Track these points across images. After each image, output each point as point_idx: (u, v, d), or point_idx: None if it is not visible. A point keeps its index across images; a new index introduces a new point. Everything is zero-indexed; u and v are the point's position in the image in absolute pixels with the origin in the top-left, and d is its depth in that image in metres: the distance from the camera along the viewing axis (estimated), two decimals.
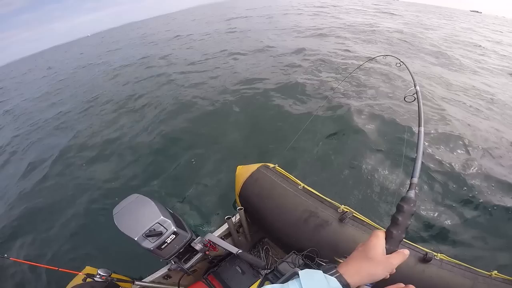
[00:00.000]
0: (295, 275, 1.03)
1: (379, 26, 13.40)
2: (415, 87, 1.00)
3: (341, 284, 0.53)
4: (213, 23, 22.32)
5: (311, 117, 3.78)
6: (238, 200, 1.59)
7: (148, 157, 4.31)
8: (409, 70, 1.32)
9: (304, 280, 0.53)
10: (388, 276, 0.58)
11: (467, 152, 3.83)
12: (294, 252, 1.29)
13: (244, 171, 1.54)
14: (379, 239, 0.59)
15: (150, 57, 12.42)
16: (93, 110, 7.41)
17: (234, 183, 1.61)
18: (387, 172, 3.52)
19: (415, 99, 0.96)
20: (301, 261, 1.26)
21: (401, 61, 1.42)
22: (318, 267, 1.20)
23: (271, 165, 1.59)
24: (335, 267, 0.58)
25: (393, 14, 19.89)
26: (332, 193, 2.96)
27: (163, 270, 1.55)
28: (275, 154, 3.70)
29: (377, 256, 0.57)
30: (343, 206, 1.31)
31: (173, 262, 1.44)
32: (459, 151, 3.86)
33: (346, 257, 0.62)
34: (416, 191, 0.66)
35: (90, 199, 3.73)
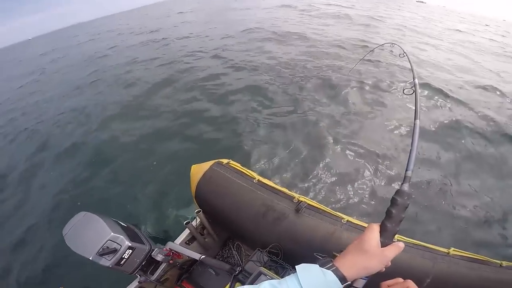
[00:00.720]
0: (260, 274, 1.02)
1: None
2: (414, 79, 0.97)
3: (337, 277, 0.54)
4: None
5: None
6: (195, 202, 1.56)
7: (96, 165, 4.03)
8: (410, 62, 1.27)
9: (301, 274, 0.53)
10: (384, 269, 0.59)
11: None
12: (259, 249, 1.29)
13: (197, 171, 1.50)
14: (373, 232, 0.60)
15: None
16: None
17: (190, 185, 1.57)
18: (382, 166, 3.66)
19: (413, 91, 0.95)
20: (266, 258, 1.26)
21: (404, 52, 1.39)
22: (284, 262, 1.24)
23: (225, 161, 1.55)
24: (331, 260, 0.59)
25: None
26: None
27: (134, 284, 1.50)
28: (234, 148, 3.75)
29: (372, 249, 0.58)
30: (297, 195, 1.32)
31: (139, 276, 1.39)
32: None
33: (342, 251, 0.62)
34: (410, 184, 0.66)
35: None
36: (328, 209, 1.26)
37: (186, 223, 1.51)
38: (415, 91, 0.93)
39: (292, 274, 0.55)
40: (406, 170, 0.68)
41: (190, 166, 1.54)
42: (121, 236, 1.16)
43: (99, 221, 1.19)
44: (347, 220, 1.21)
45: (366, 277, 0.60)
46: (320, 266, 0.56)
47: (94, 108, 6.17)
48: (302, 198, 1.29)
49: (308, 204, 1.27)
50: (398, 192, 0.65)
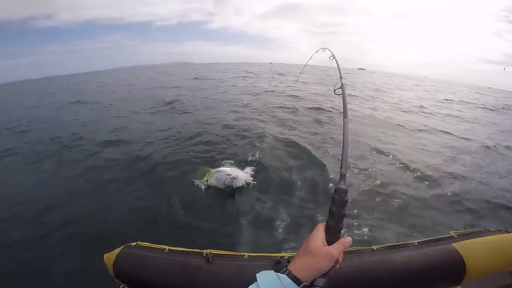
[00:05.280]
0: None
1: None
2: (340, 79, 1.05)
3: (292, 280, 0.57)
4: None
5: None
6: (118, 281, 1.54)
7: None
8: (337, 63, 1.42)
9: (261, 281, 0.58)
10: (337, 266, 0.63)
11: None
12: None
13: (110, 257, 1.55)
14: (318, 232, 0.65)
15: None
16: None
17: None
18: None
19: (342, 90, 1.00)
20: None
21: (333, 55, 1.51)
22: None
23: (133, 243, 1.65)
24: (286, 265, 0.62)
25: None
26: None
27: None
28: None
29: (317, 250, 0.61)
30: (205, 250, 1.51)
31: None
32: None
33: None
34: (346, 181, 0.69)
35: None
36: (231, 252, 1.53)
37: None
38: (342, 90, 0.99)
39: (254, 284, 0.58)
40: (341, 168, 0.71)
41: (101, 257, 1.57)
42: None
43: None
44: (248, 256, 1.48)
45: (322, 275, 0.61)
46: (276, 271, 0.60)
47: None
48: (208, 251, 1.50)
49: (214, 254, 1.49)
50: (336, 190, 0.68)
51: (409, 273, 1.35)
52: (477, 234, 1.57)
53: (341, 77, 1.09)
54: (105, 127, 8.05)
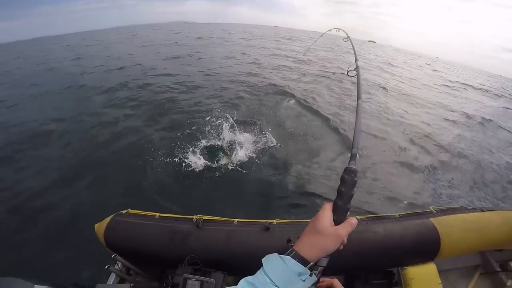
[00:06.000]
0: (186, 280, 1.22)
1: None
2: (355, 62, 1.07)
3: (298, 261, 0.55)
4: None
5: None
6: (110, 251, 1.57)
7: None
8: (352, 46, 1.39)
9: (266, 266, 0.57)
10: (342, 247, 0.60)
11: None
12: (180, 265, 1.38)
13: (100, 226, 1.58)
14: (325, 211, 0.62)
15: None
16: None
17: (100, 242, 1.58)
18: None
19: (356, 73, 1.00)
20: (189, 270, 1.34)
21: (348, 36, 1.50)
22: (205, 267, 1.37)
23: (124, 211, 1.67)
24: (291, 246, 0.60)
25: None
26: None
27: None
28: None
29: (325, 229, 0.59)
30: (195, 216, 1.54)
31: None
32: None
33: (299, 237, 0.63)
34: (356, 161, 0.68)
35: None
36: (220, 218, 1.55)
37: (107, 267, 1.47)
38: (357, 73, 0.99)
39: (260, 268, 0.57)
40: (352, 148, 0.69)
41: (92, 226, 1.59)
42: None
43: None
44: (237, 221, 1.52)
45: (327, 256, 0.60)
46: (280, 253, 0.58)
47: None
48: (198, 217, 1.53)
49: (204, 219, 1.52)
50: (345, 170, 0.66)
51: (388, 247, 1.41)
52: (454, 211, 1.61)
53: (356, 59, 1.08)
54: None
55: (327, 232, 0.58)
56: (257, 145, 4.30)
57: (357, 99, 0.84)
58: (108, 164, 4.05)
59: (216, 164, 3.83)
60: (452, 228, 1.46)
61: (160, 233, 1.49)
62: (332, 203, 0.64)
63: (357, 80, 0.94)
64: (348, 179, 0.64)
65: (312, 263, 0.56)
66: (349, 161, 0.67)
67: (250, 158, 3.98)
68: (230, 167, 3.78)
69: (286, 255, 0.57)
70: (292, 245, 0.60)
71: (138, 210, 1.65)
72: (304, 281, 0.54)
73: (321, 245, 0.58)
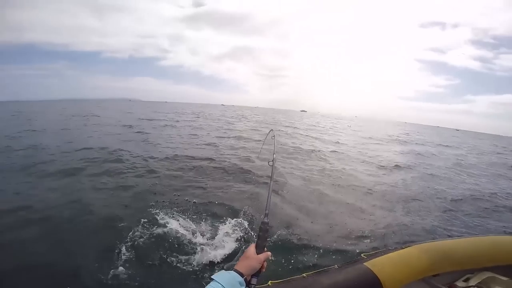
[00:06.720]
0: None
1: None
2: (273, 155, 1.39)
3: (238, 274, 0.84)
4: None
5: None
6: None
7: None
8: (274, 144, 1.62)
9: (217, 277, 0.80)
10: (264, 270, 0.92)
11: None
12: None
13: None
14: (251, 247, 0.96)
15: None
16: None
17: None
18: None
19: (273, 164, 1.34)
20: None
21: (273, 136, 1.72)
22: None
23: None
24: (233, 266, 0.89)
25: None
26: None
27: None
28: None
29: (251, 256, 0.91)
30: None
31: None
32: None
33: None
34: (267, 217, 1.03)
35: None
36: None
37: None
38: (273, 164, 1.35)
39: (211, 282, 0.79)
40: (266, 209, 1.06)
41: None
42: None
43: None
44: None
45: (255, 275, 0.90)
46: (225, 270, 0.86)
47: None
48: None
49: None
50: (262, 223, 1.01)
51: None
52: (381, 252, 1.88)
53: (274, 153, 1.44)
54: None
55: (252, 257, 0.90)
56: None
57: (270, 181, 1.16)
58: None
59: None
60: (384, 265, 1.73)
61: None
62: (255, 243, 0.97)
63: (271, 172, 1.25)
64: (263, 227, 0.98)
65: (246, 277, 0.85)
66: (264, 217, 1.02)
67: None
68: None
69: (230, 271, 0.86)
70: (234, 266, 0.89)
71: None
72: (242, 286, 0.83)
73: (249, 264, 0.89)
